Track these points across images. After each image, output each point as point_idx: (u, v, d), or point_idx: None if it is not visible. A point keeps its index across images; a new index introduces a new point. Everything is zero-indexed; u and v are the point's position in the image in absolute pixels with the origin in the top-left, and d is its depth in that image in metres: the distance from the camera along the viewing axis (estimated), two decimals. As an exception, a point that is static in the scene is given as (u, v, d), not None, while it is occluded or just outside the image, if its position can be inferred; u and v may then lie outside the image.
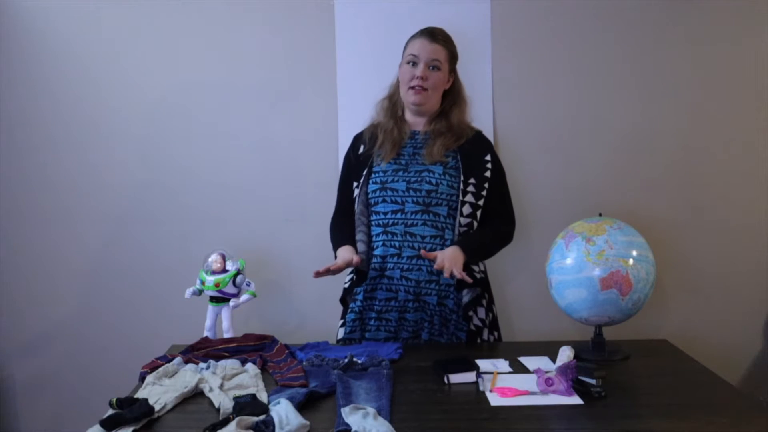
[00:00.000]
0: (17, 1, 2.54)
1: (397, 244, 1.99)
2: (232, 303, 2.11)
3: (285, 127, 2.58)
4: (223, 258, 2.13)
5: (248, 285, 2.13)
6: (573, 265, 1.83)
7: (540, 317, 2.46)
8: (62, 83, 2.57)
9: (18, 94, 2.57)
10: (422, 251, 1.90)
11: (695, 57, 2.52)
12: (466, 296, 2.00)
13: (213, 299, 2.12)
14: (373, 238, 2.04)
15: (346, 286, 2.10)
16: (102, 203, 2.61)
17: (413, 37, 2.07)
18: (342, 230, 2.11)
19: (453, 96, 2.10)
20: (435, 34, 2.04)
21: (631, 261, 1.80)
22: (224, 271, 2.12)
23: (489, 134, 2.54)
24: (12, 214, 2.63)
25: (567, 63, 2.53)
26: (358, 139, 2.16)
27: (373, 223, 2.04)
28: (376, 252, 2.02)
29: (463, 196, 1.98)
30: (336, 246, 2.08)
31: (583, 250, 1.82)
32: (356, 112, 2.38)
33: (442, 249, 1.95)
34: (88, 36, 2.55)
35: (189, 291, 2.13)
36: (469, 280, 1.87)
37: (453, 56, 2.07)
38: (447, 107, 2.09)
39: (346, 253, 2.00)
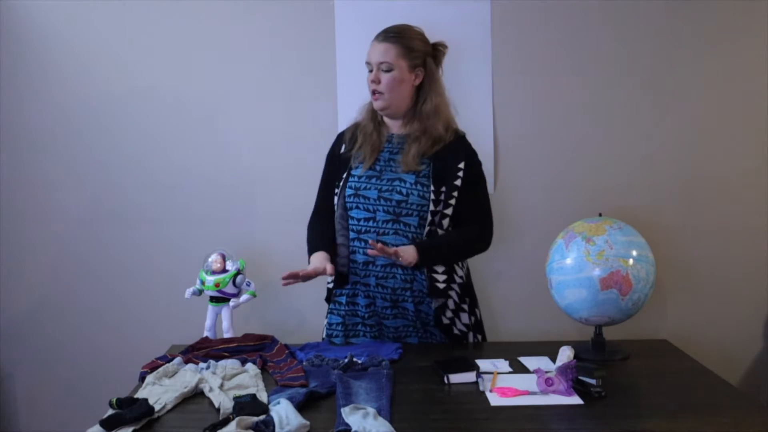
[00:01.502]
0: (17, 1, 2.54)
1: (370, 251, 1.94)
2: (232, 303, 2.11)
3: (285, 126, 2.58)
4: (223, 258, 2.13)
5: (248, 285, 2.13)
6: (573, 265, 1.83)
7: (540, 317, 2.46)
8: (62, 83, 2.57)
9: (17, 94, 2.57)
10: (371, 242, 1.84)
11: (695, 57, 2.52)
12: (434, 303, 1.98)
13: (213, 299, 2.11)
14: (350, 244, 2.00)
15: (330, 286, 2.07)
16: (101, 203, 2.61)
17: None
18: (318, 233, 2.05)
19: (424, 92, 1.98)
20: (386, 33, 1.95)
21: (631, 261, 1.80)
22: (224, 271, 2.12)
23: (488, 134, 2.55)
24: (12, 214, 2.63)
25: (567, 63, 2.53)
26: (340, 138, 2.12)
27: (349, 227, 1.99)
28: (354, 257, 1.98)
29: (434, 206, 1.94)
30: (310, 250, 2.02)
31: (583, 250, 1.82)
32: (356, 112, 2.38)
33: None
34: (88, 36, 2.55)
35: (189, 291, 2.12)
36: (396, 257, 1.84)
37: (411, 50, 1.94)
38: (420, 106, 1.98)
39: (318, 260, 1.94)
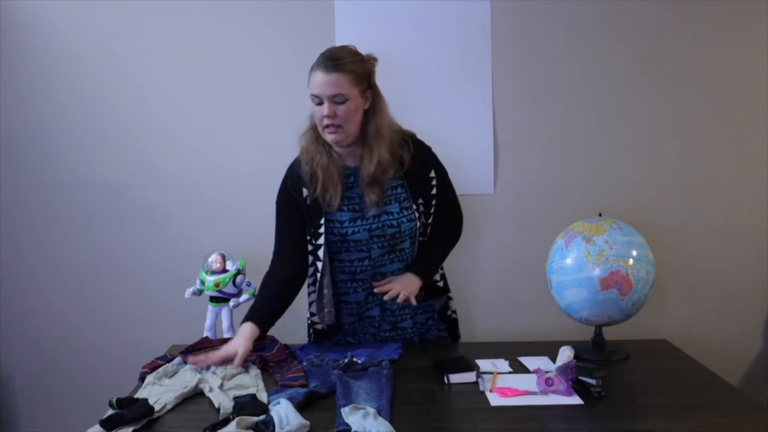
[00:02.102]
0: (17, 1, 2.54)
1: (369, 286, 1.94)
2: (232, 303, 2.11)
3: (285, 126, 2.54)
4: (223, 258, 2.13)
5: (248, 285, 2.13)
6: (573, 265, 1.83)
7: (540, 317, 2.46)
8: (62, 83, 2.56)
9: (18, 94, 2.57)
10: (375, 285, 1.89)
11: (695, 57, 2.52)
12: (437, 303, 2.05)
13: (213, 299, 2.11)
14: (340, 285, 1.94)
15: (311, 341, 2.05)
16: (101, 202, 2.61)
17: (312, 67, 1.82)
18: (265, 296, 1.88)
19: (370, 113, 1.86)
20: (327, 62, 1.79)
21: (631, 261, 1.80)
22: (224, 271, 2.12)
23: (488, 134, 2.56)
24: (12, 214, 2.63)
25: (567, 63, 2.53)
26: (297, 181, 1.93)
27: (337, 270, 1.94)
28: (349, 299, 1.96)
29: (419, 221, 1.92)
30: (248, 315, 1.83)
31: (583, 250, 1.82)
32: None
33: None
34: (88, 35, 2.55)
35: (189, 291, 2.12)
36: (414, 303, 1.88)
37: (359, 75, 1.80)
38: (369, 129, 1.86)
39: (238, 340, 1.75)
